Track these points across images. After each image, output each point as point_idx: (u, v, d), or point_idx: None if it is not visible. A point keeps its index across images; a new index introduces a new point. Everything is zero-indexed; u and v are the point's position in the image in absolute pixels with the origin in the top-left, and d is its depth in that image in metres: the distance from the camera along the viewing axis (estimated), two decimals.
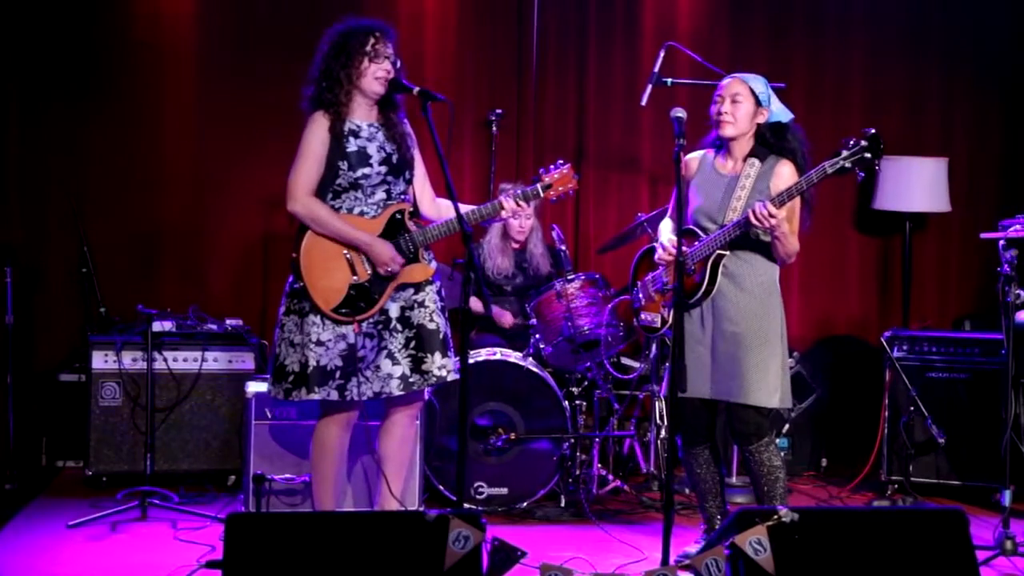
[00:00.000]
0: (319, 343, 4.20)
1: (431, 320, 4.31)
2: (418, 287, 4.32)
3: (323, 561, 3.38)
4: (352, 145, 4.22)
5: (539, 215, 5.95)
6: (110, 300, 5.90)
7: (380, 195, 4.27)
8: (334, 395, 4.22)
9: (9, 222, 6.11)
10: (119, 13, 6.21)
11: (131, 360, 5.55)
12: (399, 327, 4.28)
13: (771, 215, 4.11)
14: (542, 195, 4.34)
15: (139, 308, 5.50)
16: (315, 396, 4.22)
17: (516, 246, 5.92)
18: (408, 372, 4.27)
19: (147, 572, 4.37)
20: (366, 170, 4.22)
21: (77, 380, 5.79)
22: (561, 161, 4.40)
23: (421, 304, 4.31)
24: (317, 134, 4.22)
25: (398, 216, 4.29)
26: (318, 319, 4.21)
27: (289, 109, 4.52)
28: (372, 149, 4.24)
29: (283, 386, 4.24)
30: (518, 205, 4.31)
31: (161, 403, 5.53)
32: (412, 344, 4.28)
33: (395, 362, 4.25)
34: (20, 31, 6.10)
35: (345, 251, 4.23)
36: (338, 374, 4.21)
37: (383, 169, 4.25)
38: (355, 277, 4.23)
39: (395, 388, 4.25)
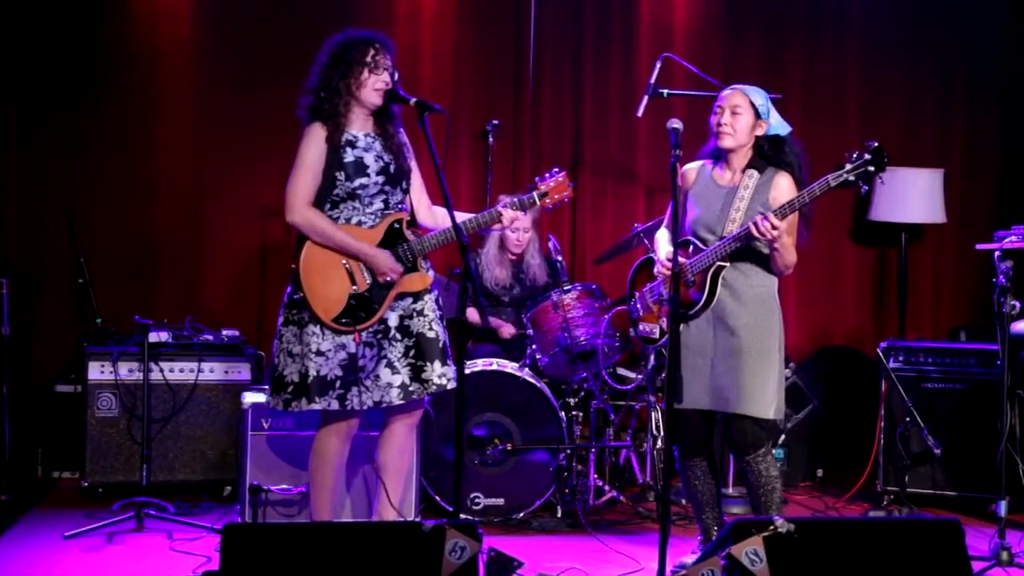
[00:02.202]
0: (319, 353, 4.20)
1: (430, 329, 4.32)
2: (416, 296, 4.32)
3: (319, 571, 3.37)
4: (349, 155, 4.23)
5: (536, 226, 5.96)
6: (106, 311, 5.90)
7: (378, 205, 4.28)
8: (335, 405, 4.22)
9: (5, 233, 6.11)
10: (116, 25, 6.21)
11: (127, 371, 5.54)
12: (398, 336, 4.28)
13: (773, 227, 4.11)
14: (538, 203, 4.34)
15: (135, 319, 5.51)
16: (315, 406, 4.22)
17: (513, 257, 5.92)
18: (408, 381, 4.27)
19: None
20: (363, 180, 4.23)
21: (73, 391, 5.78)
22: (556, 169, 4.41)
23: (420, 313, 4.32)
24: (314, 145, 4.22)
25: (396, 226, 4.29)
26: (317, 329, 4.21)
27: (286, 119, 4.54)
28: (369, 159, 4.25)
29: (282, 397, 4.24)
30: (515, 213, 4.32)
31: (157, 414, 5.52)
32: (411, 353, 4.29)
33: (394, 371, 4.26)
34: (17, 44, 6.10)
35: (344, 261, 4.23)
36: (338, 384, 4.21)
37: (380, 179, 4.26)
38: (354, 287, 4.23)
39: (395, 397, 4.25)
